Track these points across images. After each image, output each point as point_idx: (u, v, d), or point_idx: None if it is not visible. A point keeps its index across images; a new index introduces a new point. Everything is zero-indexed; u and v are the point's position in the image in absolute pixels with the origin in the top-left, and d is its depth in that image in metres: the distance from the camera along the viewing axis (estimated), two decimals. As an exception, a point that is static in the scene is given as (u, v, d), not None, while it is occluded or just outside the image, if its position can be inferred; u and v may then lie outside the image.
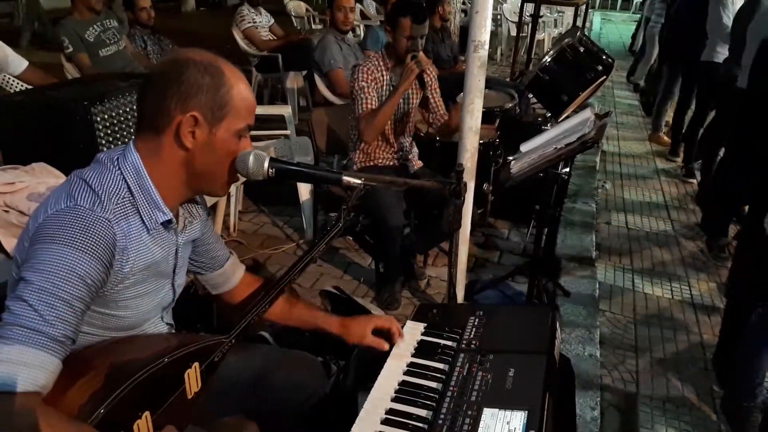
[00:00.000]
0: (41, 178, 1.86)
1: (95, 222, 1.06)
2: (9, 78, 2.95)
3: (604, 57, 3.01)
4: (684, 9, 4.99)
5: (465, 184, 1.56)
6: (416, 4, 2.70)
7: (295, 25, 7.33)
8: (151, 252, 1.19)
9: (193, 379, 1.16)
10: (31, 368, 0.93)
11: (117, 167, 1.14)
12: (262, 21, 5.55)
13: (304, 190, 3.33)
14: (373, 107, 2.69)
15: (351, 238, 3.46)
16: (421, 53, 2.65)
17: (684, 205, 4.50)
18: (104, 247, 1.06)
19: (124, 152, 1.17)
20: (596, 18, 14.05)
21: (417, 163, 2.99)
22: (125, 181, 1.14)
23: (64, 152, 1.91)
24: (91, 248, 1.04)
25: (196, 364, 1.18)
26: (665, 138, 5.82)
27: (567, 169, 3.25)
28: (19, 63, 2.89)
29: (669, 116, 5.79)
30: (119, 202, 1.12)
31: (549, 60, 2.93)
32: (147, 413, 1.04)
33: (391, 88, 2.77)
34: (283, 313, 1.53)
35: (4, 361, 0.92)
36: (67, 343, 1.00)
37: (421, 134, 3.17)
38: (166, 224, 1.21)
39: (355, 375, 1.66)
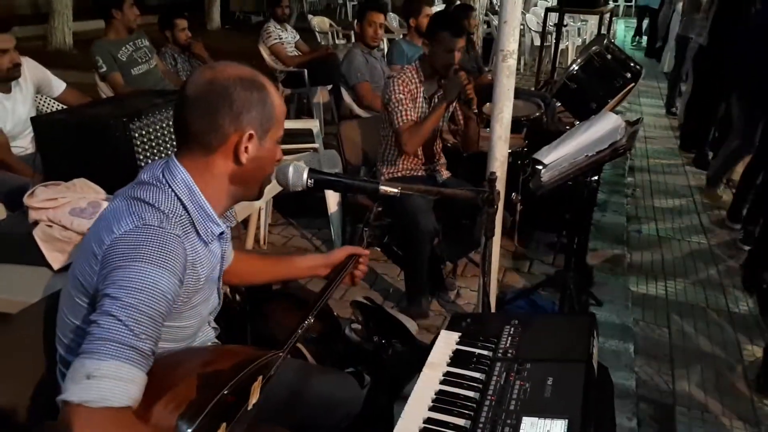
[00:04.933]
0: (82, 194, 1.91)
1: (168, 238, 1.08)
2: (45, 99, 3.05)
3: (632, 64, 3.00)
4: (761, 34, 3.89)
5: (498, 193, 1.56)
6: (455, 17, 2.72)
7: (319, 40, 7.42)
8: (209, 263, 1.23)
9: (256, 391, 1.18)
10: (127, 383, 0.96)
11: (167, 186, 1.16)
12: (287, 37, 5.64)
13: (333, 201, 3.35)
14: (413, 119, 2.68)
15: (380, 250, 3.47)
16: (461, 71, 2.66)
17: (717, 211, 4.42)
18: (179, 262, 1.09)
19: (170, 170, 1.18)
20: (620, 26, 13.94)
21: (445, 173, 2.99)
22: (179, 199, 1.16)
23: (103, 168, 1.96)
24: (169, 264, 1.06)
25: (260, 377, 1.20)
26: (723, 197, 4.60)
27: (596, 177, 3.22)
28: (58, 85, 2.99)
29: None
30: (178, 219, 1.14)
31: (576, 68, 2.92)
32: (224, 424, 1.06)
33: (424, 101, 2.78)
34: (257, 274, 1.61)
35: (101, 377, 0.94)
36: (151, 357, 1.02)
37: (448, 144, 3.18)
38: (220, 235, 1.25)
39: (389, 385, 1.67)
